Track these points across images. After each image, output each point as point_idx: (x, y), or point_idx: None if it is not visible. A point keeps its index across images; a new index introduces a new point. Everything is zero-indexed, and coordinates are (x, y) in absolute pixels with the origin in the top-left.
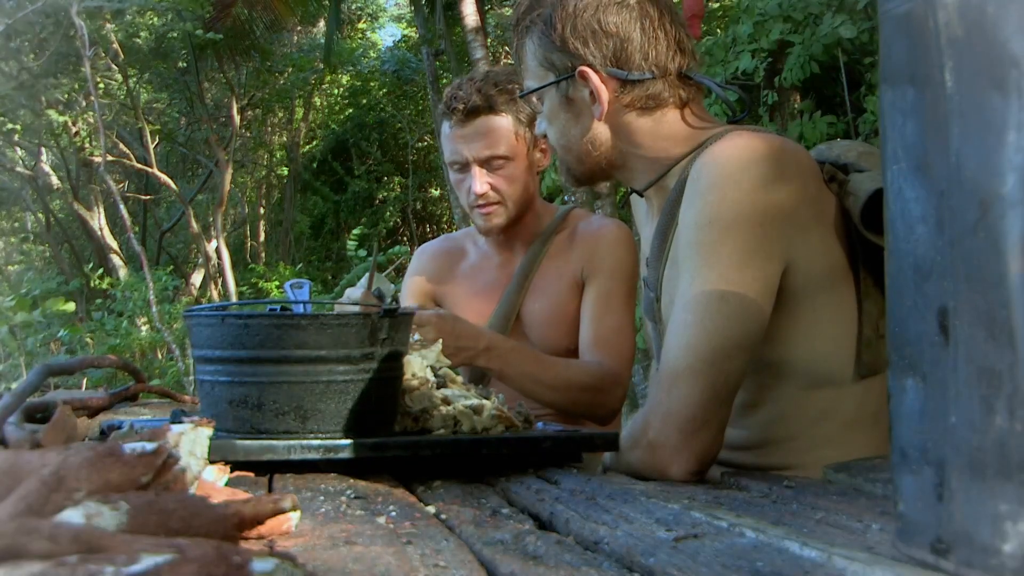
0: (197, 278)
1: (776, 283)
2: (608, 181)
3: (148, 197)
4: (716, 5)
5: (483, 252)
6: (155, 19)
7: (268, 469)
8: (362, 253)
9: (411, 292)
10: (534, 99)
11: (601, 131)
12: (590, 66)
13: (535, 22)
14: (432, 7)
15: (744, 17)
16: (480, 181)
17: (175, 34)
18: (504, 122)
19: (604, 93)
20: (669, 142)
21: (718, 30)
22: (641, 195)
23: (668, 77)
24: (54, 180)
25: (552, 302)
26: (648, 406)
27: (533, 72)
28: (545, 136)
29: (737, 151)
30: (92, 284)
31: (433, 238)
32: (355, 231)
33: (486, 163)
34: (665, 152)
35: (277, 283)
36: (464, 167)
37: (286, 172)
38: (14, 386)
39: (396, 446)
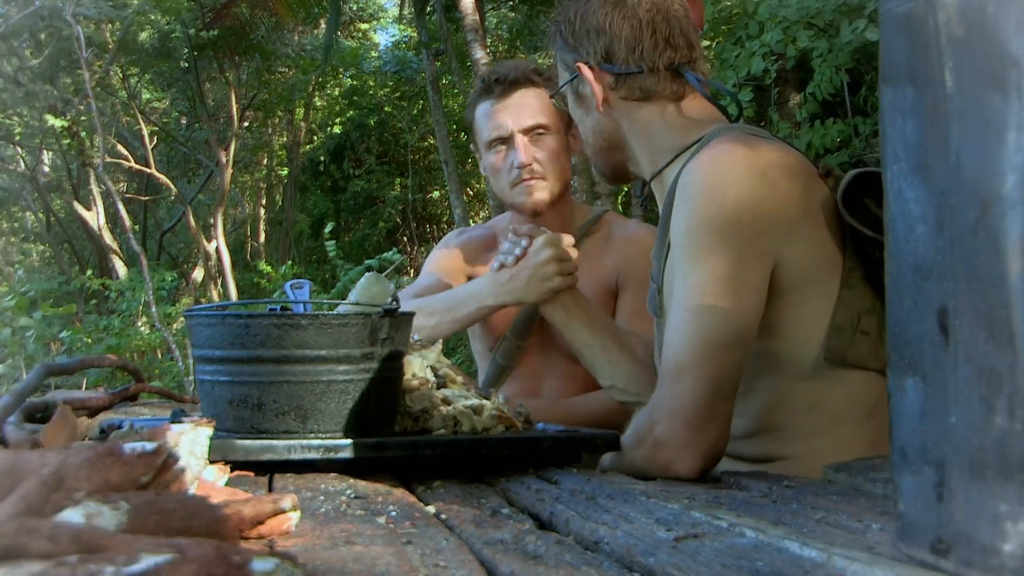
0: (197, 278)
1: (767, 280)
2: (631, 178)
3: (147, 198)
4: (722, 6)
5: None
6: (159, 17)
7: (268, 469)
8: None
9: (438, 265)
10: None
11: (603, 121)
12: (584, 63)
13: (555, 32)
14: (423, 6)
15: (768, 24)
16: (524, 150)
17: (177, 34)
18: (543, 94)
19: (596, 86)
20: (669, 132)
21: (716, 37)
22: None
23: (658, 72)
24: (54, 179)
25: None
26: (652, 403)
27: (559, 75)
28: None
29: (721, 157)
30: (88, 286)
31: (433, 238)
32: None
33: (529, 133)
34: (665, 142)
35: (278, 283)
36: (506, 140)
37: (286, 172)
38: (14, 386)
39: (396, 446)
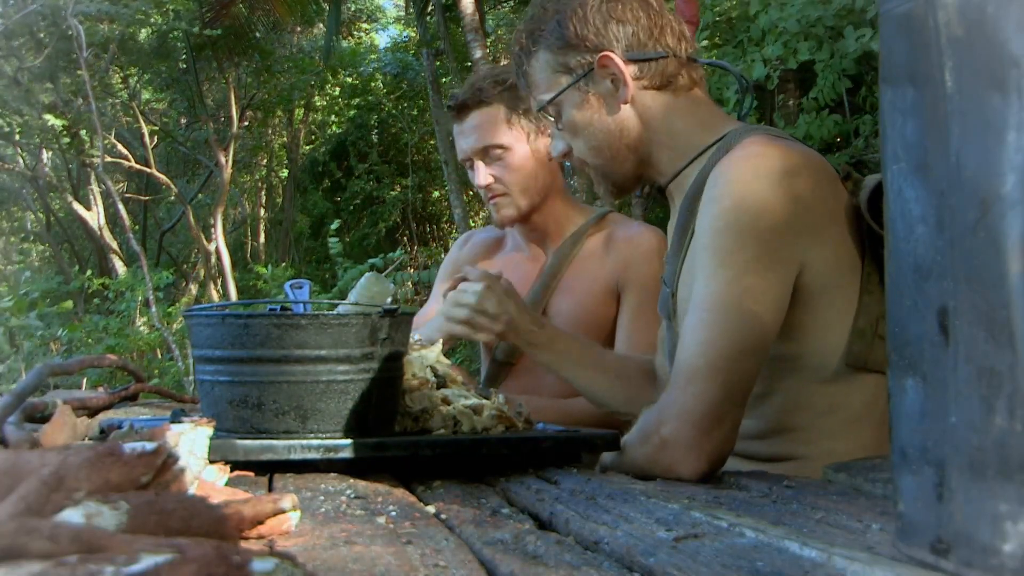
0: (197, 278)
1: (790, 286)
2: (641, 185)
3: (147, 198)
4: (721, 8)
5: (517, 244)
6: (157, 17)
7: (268, 469)
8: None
9: (448, 276)
10: (550, 117)
11: (628, 117)
12: (611, 51)
13: (542, 36)
14: (424, 6)
15: (769, 37)
16: (482, 173)
17: (176, 33)
18: (495, 112)
19: (627, 74)
20: (687, 127)
21: (716, 41)
22: (663, 193)
23: (679, 58)
24: (54, 179)
25: (581, 304)
26: (661, 403)
27: (546, 84)
28: (565, 155)
29: (752, 159)
30: (88, 286)
31: (433, 238)
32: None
33: (484, 155)
34: (686, 138)
35: (274, 283)
36: (470, 162)
37: (286, 173)
38: (14, 386)
39: (396, 446)
